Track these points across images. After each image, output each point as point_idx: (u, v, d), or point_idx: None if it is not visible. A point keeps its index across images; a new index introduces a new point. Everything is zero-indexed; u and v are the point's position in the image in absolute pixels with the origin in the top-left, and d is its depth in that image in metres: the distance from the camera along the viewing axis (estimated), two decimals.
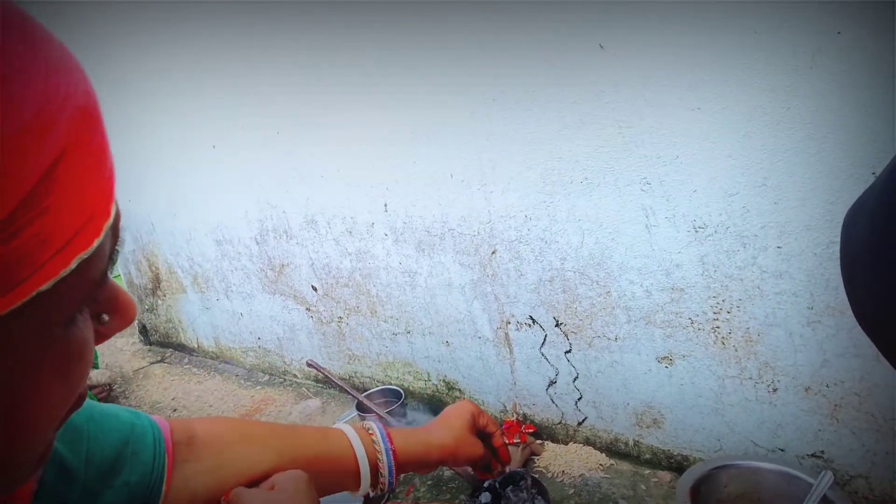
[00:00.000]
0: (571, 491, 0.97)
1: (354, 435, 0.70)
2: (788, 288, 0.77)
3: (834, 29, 0.64)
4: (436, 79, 0.97)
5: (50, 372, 0.26)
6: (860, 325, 0.35)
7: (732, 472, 0.82)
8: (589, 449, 1.05)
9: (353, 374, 1.42)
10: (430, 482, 1.03)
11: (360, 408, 1.16)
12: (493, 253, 1.03)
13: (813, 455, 0.84)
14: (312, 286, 1.38)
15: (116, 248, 0.28)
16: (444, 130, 1.00)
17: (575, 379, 1.03)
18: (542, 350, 1.05)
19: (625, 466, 1.01)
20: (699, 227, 0.81)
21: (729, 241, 0.79)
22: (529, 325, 1.04)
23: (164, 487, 0.53)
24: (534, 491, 0.87)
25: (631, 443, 1.02)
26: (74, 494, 0.45)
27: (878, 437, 0.78)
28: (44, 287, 0.23)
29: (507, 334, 1.08)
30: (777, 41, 0.68)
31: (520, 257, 1.00)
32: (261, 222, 1.41)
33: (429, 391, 1.28)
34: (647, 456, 1.01)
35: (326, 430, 0.72)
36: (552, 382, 1.07)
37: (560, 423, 1.09)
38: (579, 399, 1.04)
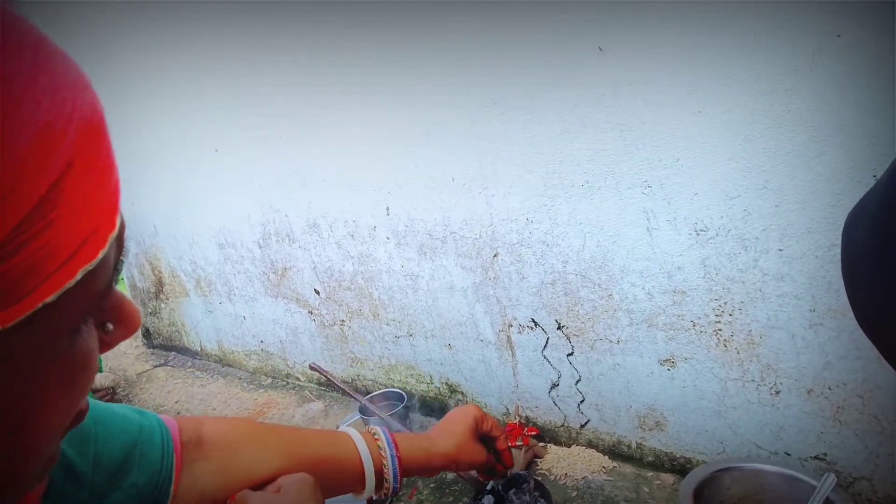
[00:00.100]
0: (574, 493, 0.96)
1: (360, 439, 0.70)
2: (790, 290, 0.77)
3: (834, 30, 0.64)
4: (436, 79, 0.97)
5: (55, 382, 0.26)
6: (861, 328, 0.35)
7: (735, 475, 0.82)
8: (592, 451, 1.05)
9: (356, 377, 1.42)
10: (433, 485, 1.04)
11: (363, 411, 1.16)
12: (495, 256, 1.03)
13: (816, 457, 0.83)
14: (315, 289, 1.39)
15: (121, 258, 0.28)
16: (445, 131, 1.00)
17: (577, 381, 1.03)
18: (545, 353, 1.05)
19: (628, 469, 1.01)
20: (700, 230, 0.81)
21: (730, 244, 0.79)
22: (531, 328, 1.05)
23: (172, 488, 0.53)
24: (536, 493, 0.87)
25: (634, 445, 1.02)
26: (82, 497, 0.45)
27: (881, 440, 0.77)
28: (49, 299, 0.23)
29: (509, 337, 1.08)
30: (777, 42, 0.68)
31: (521, 260, 1.00)
32: (263, 226, 1.41)
33: (431, 394, 1.28)
34: (650, 458, 1.00)
35: (332, 433, 0.72)
36: (554, 385, 1.07)
37: (563, 425, 1.09)
38: (582, 401, 1.04)
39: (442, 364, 1.22)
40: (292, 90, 1.18)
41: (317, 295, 1.39)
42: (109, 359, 1.97)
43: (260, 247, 1.45)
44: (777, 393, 0.83)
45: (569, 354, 1.02)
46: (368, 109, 1.08)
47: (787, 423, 0.84)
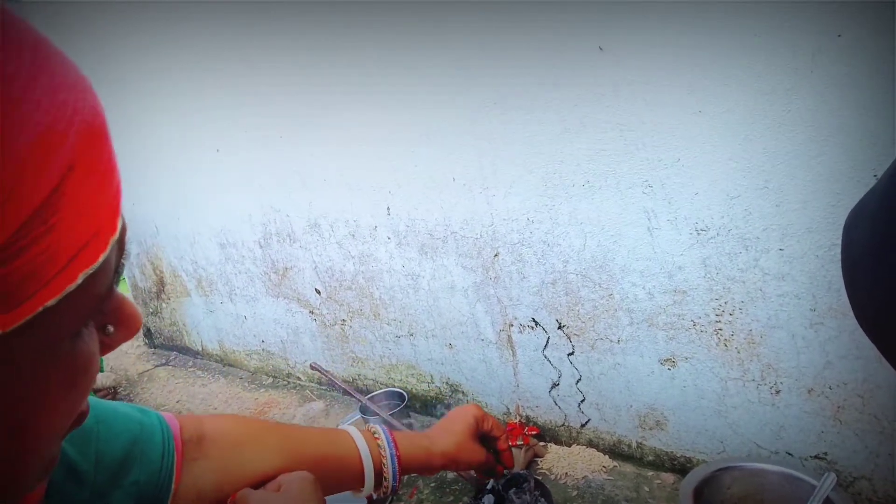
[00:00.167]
0: (575, 493, 0.97)
1: (360, 437, 0.71)
2: (791, 290, 0.77)
3: (834, 30, 0.64)
4: (436, 79, 0.97)
5: (56, 385, 0.26)
6: (861, 327, 0.35)
7: (736, 474, 0.82)
8: (592, 451, 1.05)
9: (357, 377, 1.42)
10: (433, 484, 1.04)
11: (364, 410, 1.16)
12: (496, 256, 1.03)
13: (816, 457, 0.84)
14: (316, 289, 1.39)
15: (122, 260, 0.28)
16: (445, 131, 1.00)
17: (578, 381, 1.03)
18: (545, 352, 1.05)
19: (628, 468, 1.01)
20: (701, 230, 0.81)
21: (731, 244, 0.79)
22: (532, 328, 1.05)
23: (173, 486, 0.53)
24: (537, 493, 0.87)
25: (634, 445, 1.02)
26: (84, 495, 0.45)
27: (881, 439, 0.77)
28: (50, 303, 0.23)
29: (509, 337, 1.09)
30: (777, 42, 0.68)
31: (522, 260, 1.00)
32: (264, 226, 1.41)
33: (432, 394, 1.28)
34: (651, 458, 1.01)
35: (332, 431, 0.73)
36: (555, 384, 1.07)
37: (563, 425, 1.09)
38: (582, 401, 1.05)
39: (443, 364, 1.22)
40: (292, 90, 1.18)
41: (318, 295, 1.39)
42: (111, 358, 1.97)
43: (261, 247, 1.45)
44: (777, 392, 0.83)
45: (569, 354, 1.02)
46: (368, 109, 1.08)
47: (788, 422, 0.84)
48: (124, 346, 2.10)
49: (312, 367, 1.16)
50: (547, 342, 1.04)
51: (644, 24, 0.75)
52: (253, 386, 1.63)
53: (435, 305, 1.17)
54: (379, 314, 1.28)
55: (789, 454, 0.86)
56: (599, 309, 0.95)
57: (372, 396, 1.22)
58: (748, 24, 0.69)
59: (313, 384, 1.55)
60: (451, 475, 1.05)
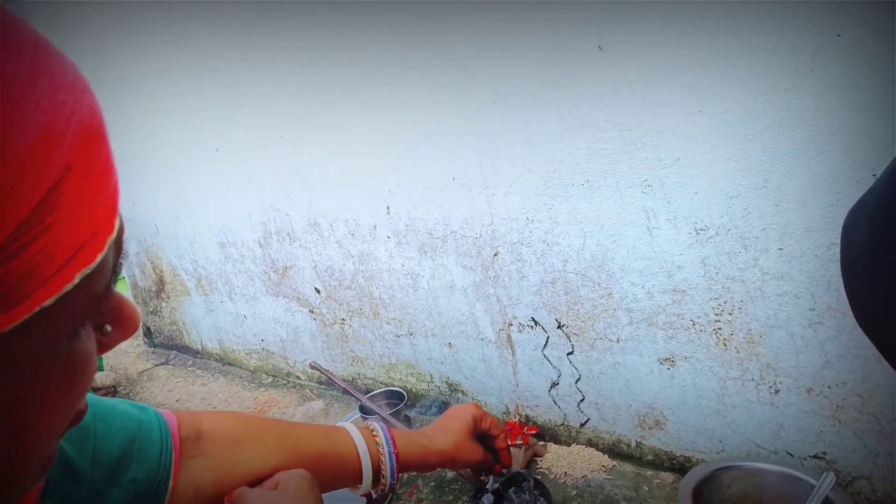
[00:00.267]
0: (574, 492, 0.97)
1: (358, 434, 0.71)
2: (790, 290, 0.77)
3: (834, 30, 0.64)
4: (436, 79, 0.97)
5: (54, 385, 0.26)
6: (860, 327, 0.35)
7: (735, 474, 0.82)
8: (591, 450, 1.05)
9: (357, 376, 1.42)
10: (433, 483, 1.04)
11: (364, 409, 1.16)
12: (495, 255, 1.03)
13: (815, 456, 0.84)
14: (315, 288, 1.39)
15: (120, 260, 0.28)
16: (445, 131, 1.00)
17: (577, 380, 1.03)
18: (545, 352, 1.05)
19: (627, 468, 1.01)
20: (700, 230, 0.81)
21: (730, 243, 0.79)
22: (531, 327, 1.05)
23: (170, 483, 0.53)
24: (536, 492, 0.87)
25: (633, 444, 1.02)
26: (81, 493, 0.45)
27: (881, 439, 0.78)
28: (47, 303, 0.23)
29: (509, 336, 1.09)
30: (777, 42, 0.68)
31: (522, 259, 1.00)
32: (264, 225, 1.41)
33: (432, 393, 1.28)
34: (650, 457, 1.01)
35: (330, 428, 0.73)
36: (554, 384, 1.07)
37: (562, 424, 1.09)
38: (581, 400, 1.05)
39: (442, 363, 1.22)
40: (292, 90, 1.18)
41: (317, 294, 1.39)
42: (110, 357, 1.97)
43: (261, 246, 1.45)
44: (776, 392, 0.83)
45: (569, 353, 1.02)
46: (368, 109, 1.08)
47: (787, 421, 0.84)
48: (124, 345, 2.10)
49: (312, 367, 1.16)
50: (546, 341, 1.04)
51: (644, 24, 0.75)
52: (252, 385, 1.63)
53: (434, 305, 1.17)
54: (378, 313, 1.28)
55: (788, 454, 0.86)
56: (599, 308, 0.95)
57: (371, 395, 1.23)
58: (748, 24, 0.69)
59: (313, 383, 1.55)
60: (450, 474, 1.05)
